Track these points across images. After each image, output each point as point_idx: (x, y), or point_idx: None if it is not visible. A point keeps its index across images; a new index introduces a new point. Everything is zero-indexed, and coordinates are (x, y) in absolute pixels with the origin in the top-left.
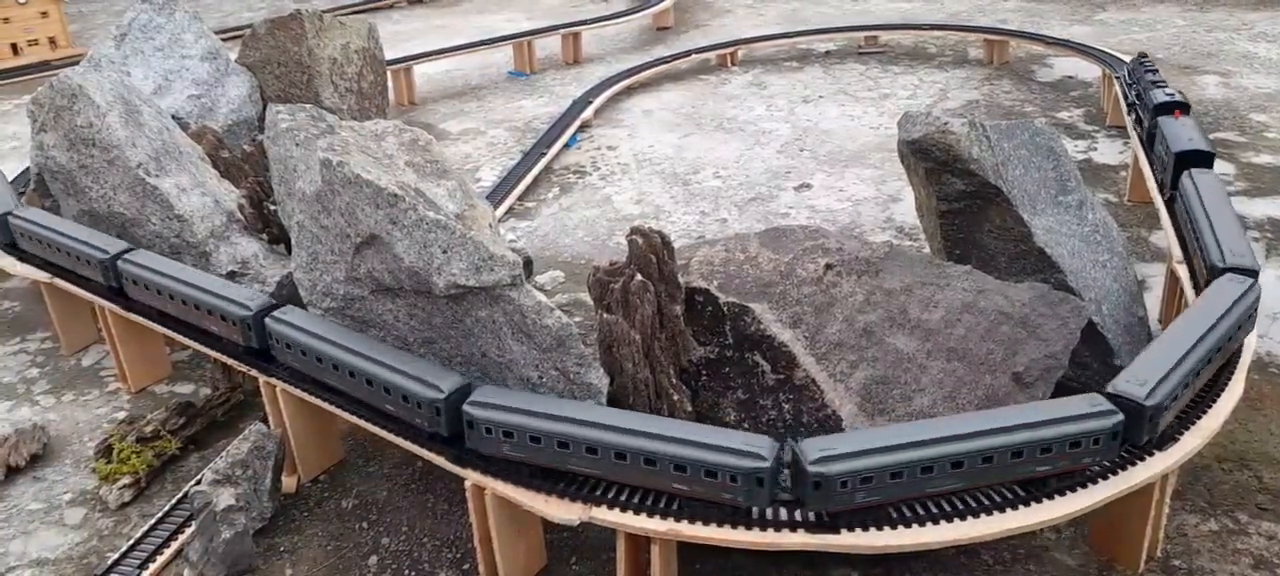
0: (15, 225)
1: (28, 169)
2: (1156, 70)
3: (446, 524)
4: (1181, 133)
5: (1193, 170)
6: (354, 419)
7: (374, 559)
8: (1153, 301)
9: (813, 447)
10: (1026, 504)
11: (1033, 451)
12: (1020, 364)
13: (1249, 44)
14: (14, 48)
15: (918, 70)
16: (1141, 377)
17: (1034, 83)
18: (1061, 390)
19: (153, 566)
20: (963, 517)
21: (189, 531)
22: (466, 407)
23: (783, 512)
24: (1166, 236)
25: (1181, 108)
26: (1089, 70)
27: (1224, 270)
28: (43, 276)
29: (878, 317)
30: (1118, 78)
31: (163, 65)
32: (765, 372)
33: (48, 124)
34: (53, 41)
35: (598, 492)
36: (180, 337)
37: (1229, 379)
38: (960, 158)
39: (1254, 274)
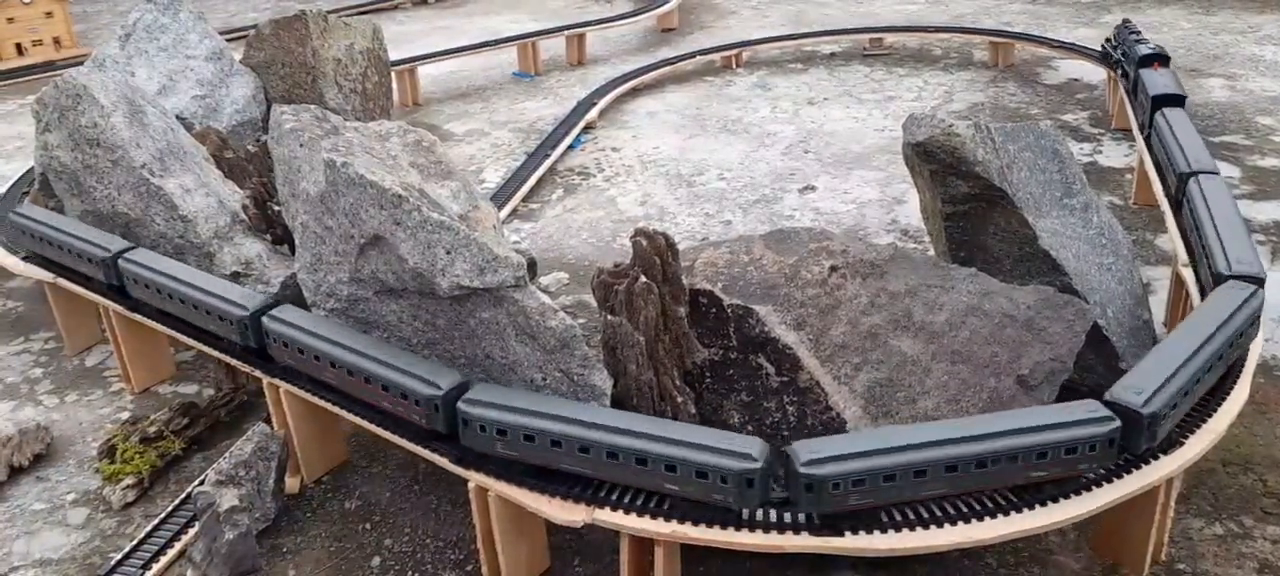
0: (127, 270)
1: (31, 169)
2: (1139, 31)
3: (449, 525)
4: (1158, 80)
5: (1165, 108)
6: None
7: (377, 560)
8: (1158, 305)
9: (1127, 392)
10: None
11: None
12: (1025, 367)
13: (1255, 47)
14: (18, 47)
15: (923, 72)
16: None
17: (1039, 85)
18: (1066, 393)
19: (156, 567)
20: (967, 521)
21: (192, 532)
22: (808, 469)
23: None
24: (1173, 241)
25: (1160, 60)
26: (1094, 73)
27: (1191, 175)
28: (46, 276)
29: (882, 320)
30: (1105, 42)
31: (167, 65)
32: (769, 375)
33: (52, 124)
34: (57, 41)
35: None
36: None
37: (1234, 382)
38: (965, 160)
39: (1215, 173)
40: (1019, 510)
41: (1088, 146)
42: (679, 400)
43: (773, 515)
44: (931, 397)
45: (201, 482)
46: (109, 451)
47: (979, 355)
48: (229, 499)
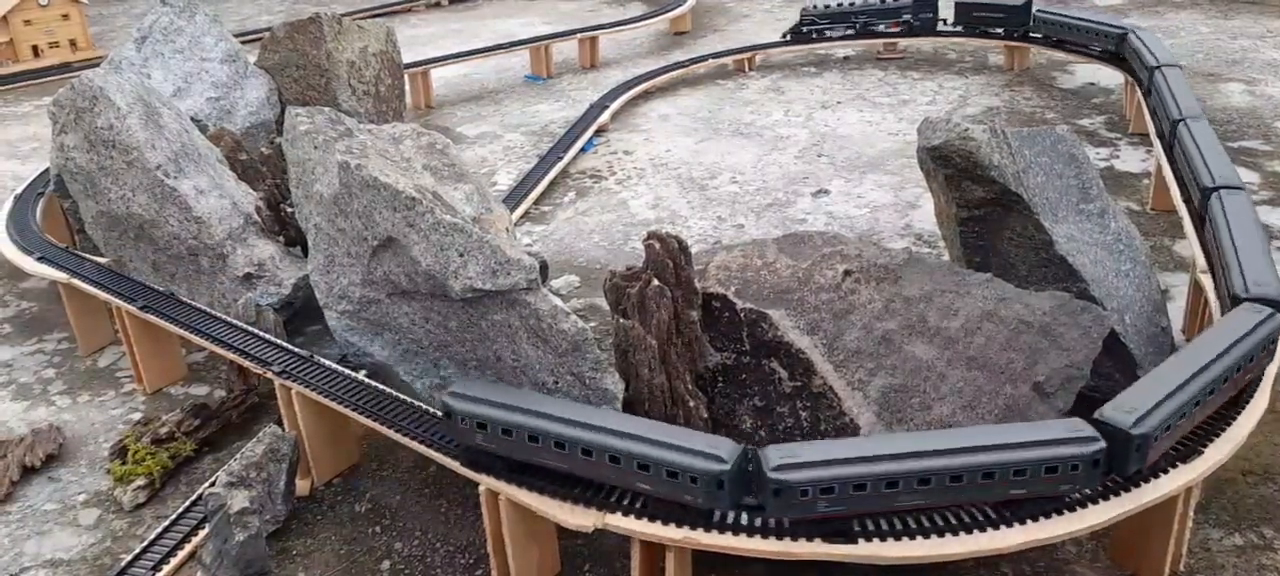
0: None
1: (47, 170)
2: None
3: (460, 529)
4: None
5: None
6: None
7: (387, 564)
8: (1176, 312)
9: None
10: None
11: None
12: (1041, 373)
13: (1274, 51)
14: (35, 50)
15: (937, 76)
16: None
17: (1055, 89)
18: (1083, 401)
19: (166, 568)
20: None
21: (203, 534)
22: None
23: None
24: (1191, 248)
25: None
26: (1111, 77)
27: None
28: (60, 276)
29: (897, 325)
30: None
31: (182, 67)
32: (782, 380)
33: (68, 125)
34: (73, 43)
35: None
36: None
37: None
38: (981, 164)
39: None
40: (1035, 519)
41: (1104, 151)
42: (691, 404)
43: (743, 519)
44: (947, 404)
45: (212, 484)
46: (120, 452)
47: (995, 361)
48: (240, 501)
